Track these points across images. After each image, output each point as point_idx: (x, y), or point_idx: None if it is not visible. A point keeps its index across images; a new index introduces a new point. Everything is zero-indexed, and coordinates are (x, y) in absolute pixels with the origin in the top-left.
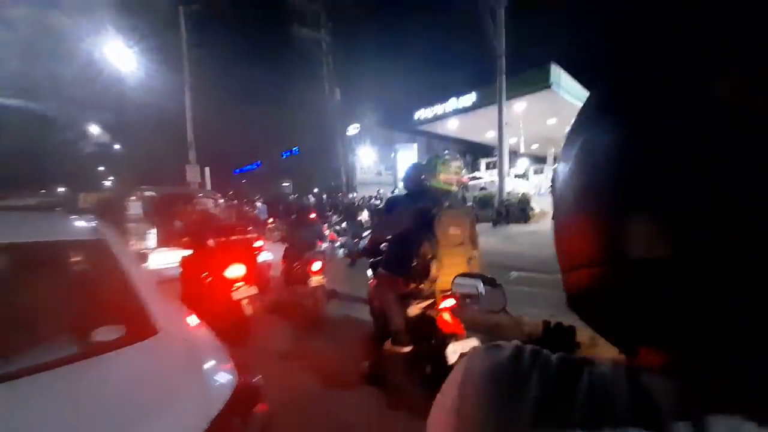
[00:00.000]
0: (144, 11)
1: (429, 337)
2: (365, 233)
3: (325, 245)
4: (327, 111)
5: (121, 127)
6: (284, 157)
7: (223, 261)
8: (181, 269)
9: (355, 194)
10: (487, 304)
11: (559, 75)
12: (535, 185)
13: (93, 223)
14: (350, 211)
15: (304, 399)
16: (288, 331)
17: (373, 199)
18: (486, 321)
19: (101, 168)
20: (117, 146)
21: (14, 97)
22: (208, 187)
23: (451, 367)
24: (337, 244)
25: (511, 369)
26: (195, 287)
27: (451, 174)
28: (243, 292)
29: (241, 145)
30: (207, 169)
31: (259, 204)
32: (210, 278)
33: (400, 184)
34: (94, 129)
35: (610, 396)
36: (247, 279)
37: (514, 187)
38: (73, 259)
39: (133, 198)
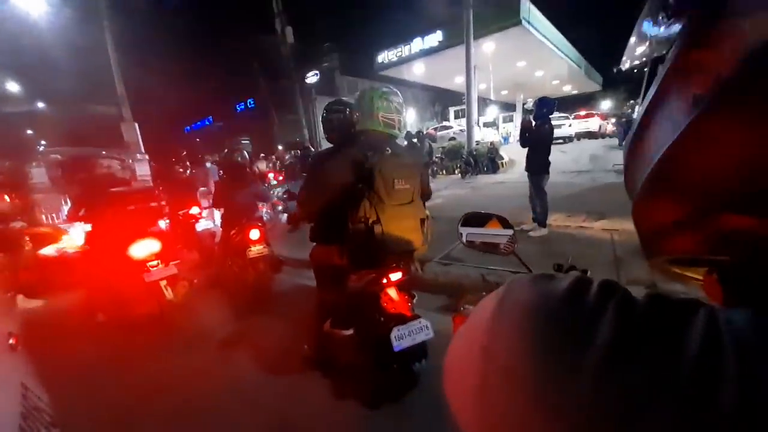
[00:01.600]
0: None
1: (373, 317)
2: None
3: (265, 209)
4: (281, 57)
5: (44, 83)
6: (239, 110)
7: (127, 236)
8: (83, 248)
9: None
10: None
11: (529, 9)
12: (505, 133)
13: None
14: (291, 171)
15: (244, 389)
16: (223, 313)
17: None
18: (449, 281)
19: (29, 132)
20: (41, 105)
21: None
22: (141, 147)
23: (398, 351)
24: (279, 208)
25: (571, 303)
26: (100, 269)
27: (392, 112)
28: (157, 273)
29: (188, 99)
30: (135, 125)
31: (208, 164)
32: (114, 259)
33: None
34: (12, 87)
35: (759, 357)
36: (162, 256)
37: (483, 136)
38: None
39: (34, 164)
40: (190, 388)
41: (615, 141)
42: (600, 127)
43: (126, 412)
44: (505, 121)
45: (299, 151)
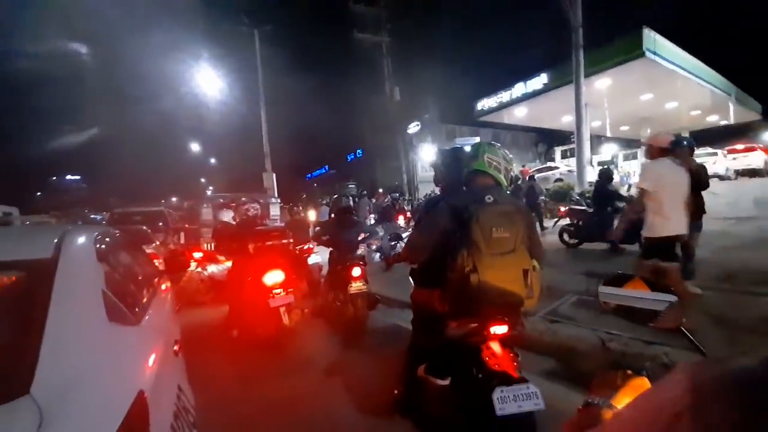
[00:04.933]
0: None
1: (472, 371)
2: (405, 234)
3: (362, 248)
4: (387, 112)
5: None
6: (349, 160)
7: (261, 267)
8: (230, 273)
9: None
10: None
11: (654, 39)
12: (627, 173)
13: (54, 240)
14: (386, 213)
15: (331, 422)
16: (325, 342)
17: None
18: (557, 342)
19: (202, 179)
20: (212, 160)
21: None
22: (275, 192)
23: (501, 418)
24: (373, 247)
25: None
26: (237, 294)
27: (498, 156)
28: (280, 300)
29: (311, 151)
30: (273, 175)
31: (324, 207)
32: (250, 284)
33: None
34: (194, 146)
35: None
36: (284, 285)
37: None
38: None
39: (204, 205)
40: (294, 411)
41: None
42: (765, 162)
43: (248, 423)
44: (627, 159)
45: (391, 196)
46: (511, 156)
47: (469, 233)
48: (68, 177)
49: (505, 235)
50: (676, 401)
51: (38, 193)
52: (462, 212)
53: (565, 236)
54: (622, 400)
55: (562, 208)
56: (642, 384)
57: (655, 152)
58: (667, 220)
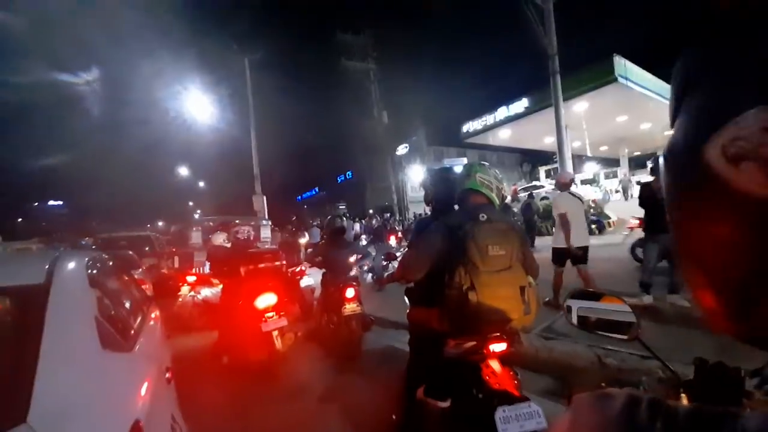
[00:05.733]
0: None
1: (472, 391)
2: (399, 253)
3: (354, 269)
4: (376, 134)
5: (201, 167)
6: (339, 181)
7: (253, 290)
8: (222, 296)
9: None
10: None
11: (625, 66)
12: (607, 191)
13: (45, 265)
14: (378, 234)
15: None
16: (320, 367)
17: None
18: (553, 359)
19: (190, 203)
20: (201, 183)
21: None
22: (266, 214)
23: None
24: (365, 268)
25: (625, 425)
26: (228, 318)
27: (489, 176)
28: (273, 324)
29: (301, 173)
30: (263, 198)
31: (315, 228)
32: (242, 308)
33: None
34: (183, 170)
35: None
36: (277, 308)
37: (581, 195)
38: None
39: (194, 228)
40: None
41: None
42: None
43: None
44: (608, 177)
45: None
46: (501, 176)
47: (465, 251)
48: (50, 203)
49: (501, 253)
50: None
51: (19, 219)
52: (457, 230)
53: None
54: None
55: (633, 221)
56: None
57: (561, 186)
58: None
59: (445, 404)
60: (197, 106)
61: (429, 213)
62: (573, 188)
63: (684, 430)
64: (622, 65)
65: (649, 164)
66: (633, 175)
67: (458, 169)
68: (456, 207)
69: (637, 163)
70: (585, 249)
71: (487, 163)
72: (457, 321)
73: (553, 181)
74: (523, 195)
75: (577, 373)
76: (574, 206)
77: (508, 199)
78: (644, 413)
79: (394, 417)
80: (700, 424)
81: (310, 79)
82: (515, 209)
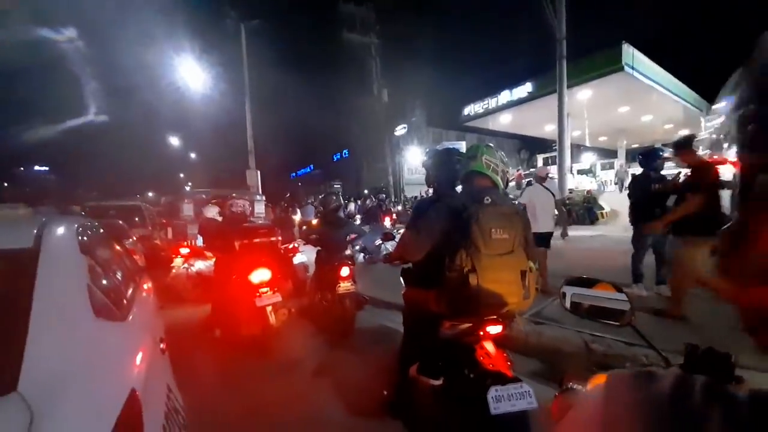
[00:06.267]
0: (208, 31)
1: (465, 370)
2: (397, 233)
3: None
4: (375, 113)
5: (193, 138)
6: (335, 159)
7: (248, 264)
8: (213, 270)
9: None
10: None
11: (633, 55)
12: (602, 182)
13: (33, 230)
14: (372, 214)
15: (320, 424)
16: (313, 343)
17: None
18: (542, 343)
19: (181, 175)
20: (193, 155)
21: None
22: (260, 190)
23: (495, 417)
24: (357, 247)
25: (677, 405)
26: (221, 292)
27: (496, 159)
28: (267, 299)
29: (296, 150)
30: (257, 173)
31: (309, 206)
32: (236, 282)
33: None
34: (174, 140)
35: None
36: (271, 284)
37: (577, 184)
38: None
39: (186, 200)
40: (283, 413)
41: None
42: (734, 176)
43: (234, 426)
44: (604, 168)
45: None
46: (507, 159)
47: (468, 233)
48: (36, 168)
49: (504, 237)
50: (596, 416)
51: (5, 184)
52: (461, 212)
53: None
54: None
55: None
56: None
57: (537, 179)
58: (536, 222)
59: (438, 382)
60: (190, 73)
61: (428, 194)
62: (570, 179)
63: (749, 417)
64: (630, 54)
65: (639, 157)
66: (629, 167)
67: (463, 148)
68: (458, 189)
69: (634, 156)
70: (549, 235)
71: (492, 145)
72: (456, 303)
73: (554, 167)
74: (522, 182)
75: (564, 357)
76: (543, 197)
77: (513, 184)
78: (698, 396)
79: (385, 393)
80: (764, 413)
81: (308, 51)
82: (513, 198)
